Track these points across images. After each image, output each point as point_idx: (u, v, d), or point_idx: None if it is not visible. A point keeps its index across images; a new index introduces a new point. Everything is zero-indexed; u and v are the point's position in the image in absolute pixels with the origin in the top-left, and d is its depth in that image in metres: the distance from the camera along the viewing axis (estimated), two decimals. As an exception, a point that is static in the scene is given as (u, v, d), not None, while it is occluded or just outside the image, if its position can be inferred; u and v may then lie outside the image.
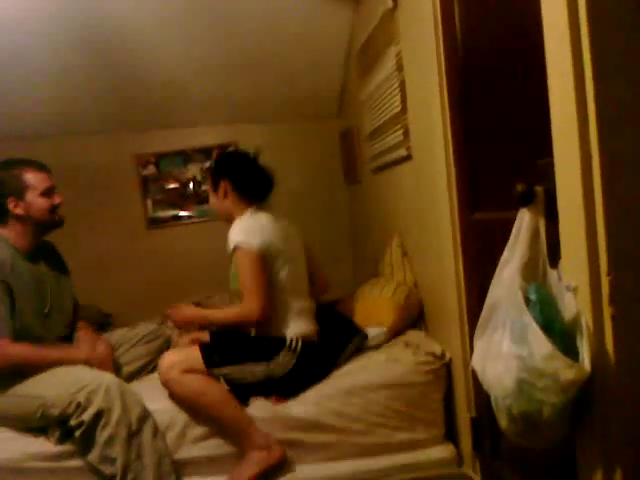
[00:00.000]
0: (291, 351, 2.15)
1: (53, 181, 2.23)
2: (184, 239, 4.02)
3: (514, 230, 1.31)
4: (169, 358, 2.13)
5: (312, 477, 2.08)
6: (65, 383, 2.01)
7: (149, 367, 2.47)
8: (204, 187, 4.03)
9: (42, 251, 2.29)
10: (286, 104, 3.89)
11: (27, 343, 2.09)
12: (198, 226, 4.06)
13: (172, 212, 4.09)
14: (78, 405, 1.95)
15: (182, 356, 2.14)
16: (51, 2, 2.86)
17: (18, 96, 3.37)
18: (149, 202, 4.05)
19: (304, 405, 2.12)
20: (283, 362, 2.13)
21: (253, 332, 2.25)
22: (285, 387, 2.15)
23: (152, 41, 3.22)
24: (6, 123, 3.53)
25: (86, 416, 1.94)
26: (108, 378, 2.03)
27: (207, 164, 3.99)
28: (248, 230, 2.19)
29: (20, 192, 2.14)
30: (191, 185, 4.09)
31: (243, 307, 2.13)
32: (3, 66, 3.14)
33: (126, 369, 2.37)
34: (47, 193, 2.19)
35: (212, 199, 2.40)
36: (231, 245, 2.17)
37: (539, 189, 1.27)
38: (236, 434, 2.08)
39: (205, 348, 2.14)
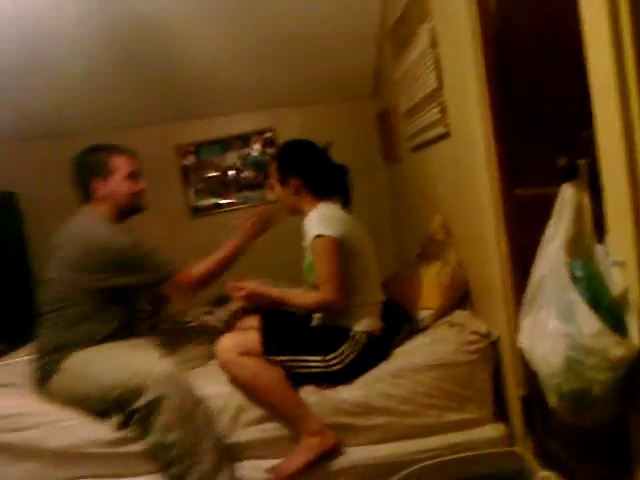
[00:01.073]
0: (354, 345, 2.15)
1: (139, 166, 2.32)
2: (225, 227, 4.07)
3: (557, 206, 1.28)
4: (226, 341, 2.15)
5: (363, 459, 2.10)
6: (123, 368, 2.06)
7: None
8: (244, 174, 4.07)
9: None
10: (321, 87, 3.88)
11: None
12: (240, 213, 4.10)
13: (213, 200, 4.14)
14: (135, 391, 2.00)
15: (239, 339, 2.17)
16: (86, 4, 2.92)
17: (62, 94, 3.46)
18: (191, 191, 4.12)
19: (352, 389, 2.13)
20: (343, 356, 2.13)
21: (316, 321, 2.26)
22: (338, 378, 2.15)
23: (185, 32, 3.24)
24: (51, 121, 3.64)
25: (143, 402, 1.99)
26: (163, 366, 2.08)
27: (249, 153, 4.03)
28: (328, 221, 2.17)
29: (105, 174, 2.23)
30: (231, 173, 4.13)
31: (319, 295, 2.13)
32: (43, 67, 3.23)
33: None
34: (131, 177, 2.27)
35: (279, 192, 2.33)
36: (311, 235, 2.16)
37: (582, 163, 1.24)
38: (290, 418, 2.10)
39: (265, 335, 2.15)
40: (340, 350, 2.13)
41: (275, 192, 2.36)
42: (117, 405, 2.05)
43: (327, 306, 2.14)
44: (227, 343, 2.14)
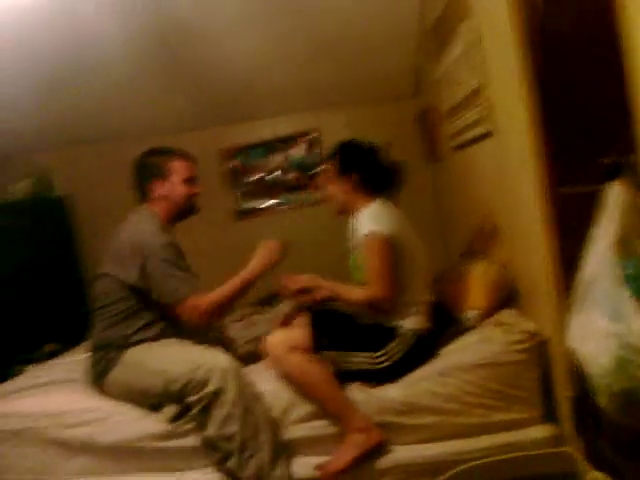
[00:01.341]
0: (401, 343, 2.16)
1: (196, 172, 2.39)
2: (271, 228, 4.12)
3: (604, 205, 1.26)
4: (277, 336, 2.19)
5: (410, 458, 2.11)
6: (185, 361, 2.11)
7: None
8: (289, 175, 4.10)
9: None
10: (363, 87, 3.88)
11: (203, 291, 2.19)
12: (285, 214, 4.15)
13: (258, 202, 4.20)
14: (198, 383, 2.05)
15: (289, 334, 2.20)
16: (129, 7, 2.99)
17: (107, 99, 3.56)
18: (236, 194, 4.18)
19: (398, 387, 2.14)
20: (390, 354, 2.15)
21: (365, 319, 2.26)
22: (384, 376, 2.17)
23: (229, 35, 3.29)
24: (97, 126, 3.75)
25: (204, 393, 2.04)
26: (224, 359, 2.13)
27: (293, 154, 4.07)
28: (380, 218, 2.20)
29: (164, 176, 2.31)
30: (275, 174, 4.18)
31: (369, 292, 2.15)
32: (88, 72, 3.32)
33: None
34: (188, 181, 2.34)
35: (333, 189, 2.36)
36: (362, 233, 2.18)
37: (629, 161, 1.22)
38: (337, 415, 2.12)
39: (316, 330, 2.17)
40: (388, 348, 2.15)
41: (327, 190, 2.38)
42: (177, 397, 2.10)
43: (376, 303, 2.16)
44: (278, 338, 2.18)
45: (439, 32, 2.94)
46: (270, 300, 3.21)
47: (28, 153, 3.86)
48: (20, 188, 3.75)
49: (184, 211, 2.38)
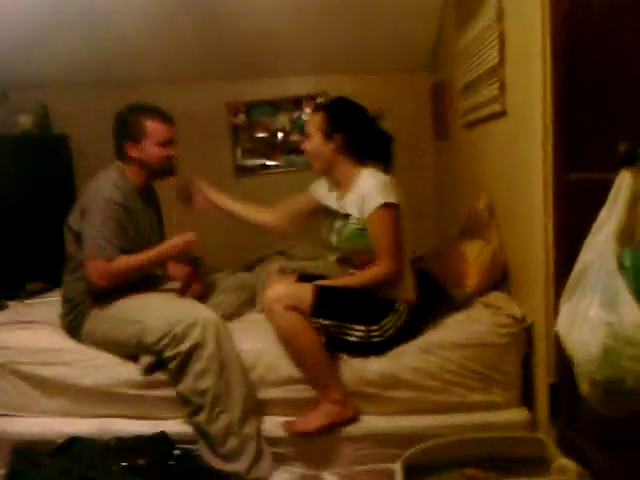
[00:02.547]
0: (397, 318, 2.14)
1: (173, 133, 2.34)
2: (271, 188, 4.08)
3: (612, 192, 1.24)
4: (278, 289, 2.12)
5: (385, 428, 2.13)
6: (164, 314, 2.11)
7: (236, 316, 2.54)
8: (293, 137, 4.05)
9: (150, 193, 2.45)
10: (378, 55, 3.82)
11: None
12: (286, 176, 4.11)
13: (260, 161, 4.15)
14: (175, 337, 2.05)
15: (290, 291, 2.12)
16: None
17: (115, 43, 3.47)
18: (238, 150, 4.14)
19: (381, 360, 2.14)
20: (384, 329, 2.12)
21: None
22: (374, 350, 2.15)
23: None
24: (105, 69, 3.68)
25: (182, 348, 2.03)
26: (205, 314, 2.12)
27: (299, 116, 4.02)
28: (389, 187, 2.10)
29: (138, 137, 2.27)
30: (280, 135, 4.13)
31: (382, 268, 2.10)
32: (97, 15, 3.25)
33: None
34: (163, 144, 2.30)
35: (317, 144, 2.20)
36: (374, 203, 2.07)
37: (643, 149, 1.20)
38: (317, 382, 2.12)
39: (318, 294, 2.10)
40: (383, 322, 2.12)
41: (311, 143, 2.22)
42: (153, 350, 2.10)
43: (390, 278, 2.12)
44: (276, 292, 2.10)
45: (464, 5, 2.87)
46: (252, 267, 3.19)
47: (26, 89, 3.78)
48: (21, 123, 3.68)
49: (159, 172, 2.35)
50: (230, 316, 2.41)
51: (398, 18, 3.49)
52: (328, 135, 2.18)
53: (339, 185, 2.26)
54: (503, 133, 2.38)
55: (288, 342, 2.12)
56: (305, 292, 2.10)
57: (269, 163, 4.15)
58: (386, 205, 2.07)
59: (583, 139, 1.72)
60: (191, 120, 3.99)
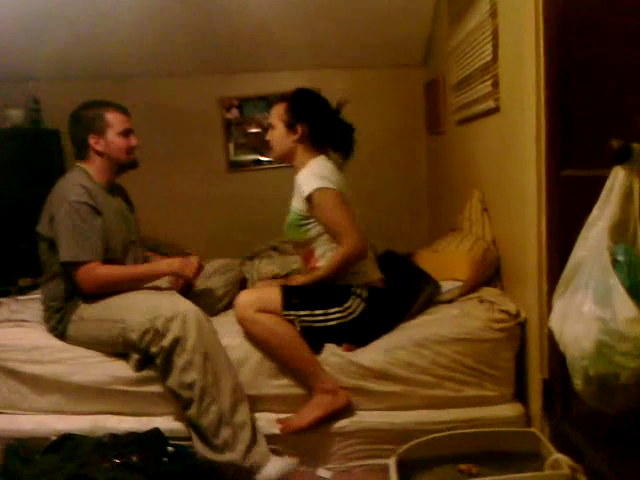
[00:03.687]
0: (358, 298, 2.16)
1: (131, 124, 2.34)
2: (263, 183, 4.08)
3: (605, 188, 1.24)
4: (245, 297, 2.18)
5: (378, 423, 2.13)
6: (144, 310, 2.10)
7: (225, 299, 2.57)
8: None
9: (117, 189, 2.42)
10: (371, 50, 3.82)
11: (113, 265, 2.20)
12: (278, 172, 4.09)
13: (253, 156, 4.15)
14: (156, 332, 2.04)
15: (258, 295, 2.18)
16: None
17: (107, 36, 3.46)
18: (231, 145, 4.13)
19: (374, 353, 2.15)
20: (352, 308, 2.15)
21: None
22: (356, 334, 2.17)
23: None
24: (98, 62, 3.66)
25: (165, 343, 2.03)
26: (185, 306, 2.11)
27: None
28: (324, 175, 2.16)
29: (101, 130, 2.26)
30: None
31: (347, 247, 2.13)
32: (89, 8, 3.24)
33: (203, 300, 2.44)
34: (125, 134, 2.29)
35: (279, 134, 2.27)
36: (307, 191, 2.14)
37: (636, 146, 1.20)
38: (304, 375, 2.13)
39: (285, 290, 2.16)
40: (348, 303, 2.15)
41: (274, 133, 2.29)
42: (139, 347, 2.10)
43: (358, 254, 2.14)
44: (246, 298, 2.16)
45: (456, 2, 2.87)
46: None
47: (17, 83, 3.75)
48: (12, 117, 3.65)
49: (124, 164, 2.34)
50: (222, 296, 2.48)
51: (392, 13, 3.50)
52: (290, 126, 2.24)
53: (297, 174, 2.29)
54: (496, 129, 2.38)
55: (267, 342, 2.13)
56: (273, 293, 2.16)
57: (262, 158, 4.14)
58: (320, 189, 2.12)
59: (576, 136, 1.72)
60: (184, 115, 3.99)
